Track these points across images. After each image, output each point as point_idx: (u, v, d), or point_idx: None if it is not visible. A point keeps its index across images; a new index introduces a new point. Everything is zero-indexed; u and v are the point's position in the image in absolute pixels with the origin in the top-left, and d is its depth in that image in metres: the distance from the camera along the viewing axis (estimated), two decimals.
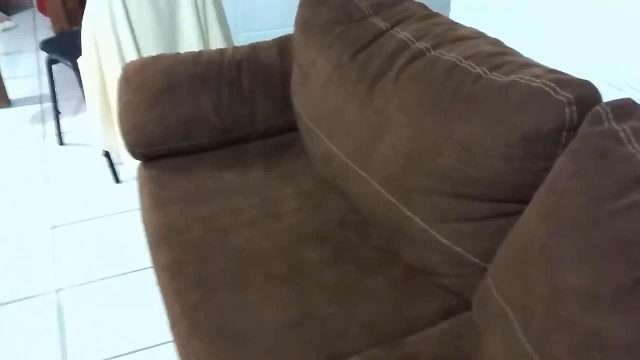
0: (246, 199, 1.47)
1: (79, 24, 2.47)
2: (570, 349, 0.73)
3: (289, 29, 2.85)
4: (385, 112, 1.26)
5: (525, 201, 1.02)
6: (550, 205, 0.93)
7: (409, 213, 1.20)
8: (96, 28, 2.05)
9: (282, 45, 1.77)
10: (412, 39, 1.31)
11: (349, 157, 1.36)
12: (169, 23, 2.15)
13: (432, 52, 1.24)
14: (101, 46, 2.08)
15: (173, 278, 1.25)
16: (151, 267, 1.96)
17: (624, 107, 0.93)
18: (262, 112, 1.69)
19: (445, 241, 1.14)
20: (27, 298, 1.85)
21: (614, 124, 0.90)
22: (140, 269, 1.95)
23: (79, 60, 2.18)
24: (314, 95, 1.50)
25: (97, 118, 2.23)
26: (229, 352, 1.07)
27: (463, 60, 1.17)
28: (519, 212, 1.04)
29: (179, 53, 1.73)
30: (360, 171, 1.33)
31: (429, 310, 1.17)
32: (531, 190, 1.01)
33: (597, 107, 0.94)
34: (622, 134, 0.88)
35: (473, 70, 1.14)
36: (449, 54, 1.21)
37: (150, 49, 2.12)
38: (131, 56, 2.06)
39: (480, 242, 1.11)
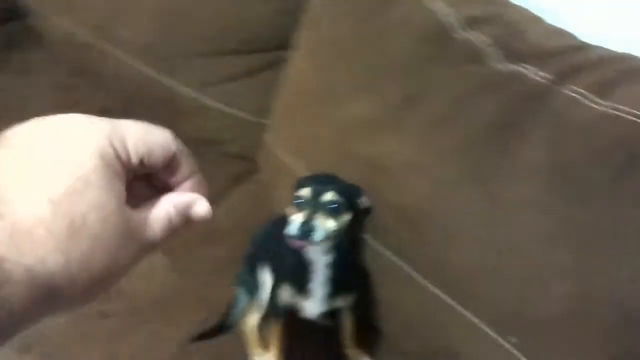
0: None
1: None
2: (355, 177, 0.73)
3: None
4: None
5: (291, 46, 0.97)
6: (316, 41, 0.89)
7: (174, 83, 1.09)
8: None
9: None
10: None
11: (92, 33, 1.18)
12: None
13: None
14: None
15: None
16: None
17: None
18: None
19: (218, 105, 1.07)
20: None
21: None
22: None
23: None
24: None
25: None
26: None
27: None
28: (287, 60, 1.00)
29: None
30: (109, 47, 1.16)
31: (221, 179, 1.11)
32: (294, 32, 0.96)
33: None
34: None
35: None
36: None
37: None
38: None
39: (252, 98, 1.06)
